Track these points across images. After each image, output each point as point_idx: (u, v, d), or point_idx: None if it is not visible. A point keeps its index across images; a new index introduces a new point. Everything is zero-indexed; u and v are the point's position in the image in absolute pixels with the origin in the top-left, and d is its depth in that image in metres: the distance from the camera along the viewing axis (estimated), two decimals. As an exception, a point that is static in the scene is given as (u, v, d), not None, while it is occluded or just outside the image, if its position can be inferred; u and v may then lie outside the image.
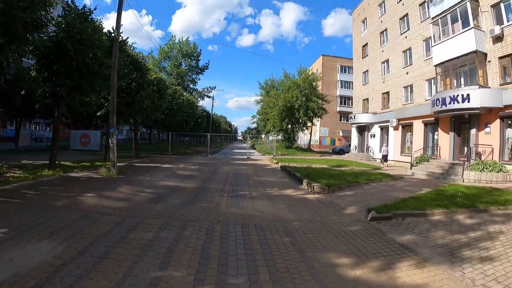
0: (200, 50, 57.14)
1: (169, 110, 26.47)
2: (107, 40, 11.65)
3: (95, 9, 11.39)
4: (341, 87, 47.56)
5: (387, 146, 21.49)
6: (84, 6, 11.21)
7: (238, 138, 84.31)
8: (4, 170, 10.75)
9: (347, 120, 46.45)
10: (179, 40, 48.32)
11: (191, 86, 49.55)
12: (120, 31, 12.55)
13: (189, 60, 48.63)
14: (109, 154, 15.73)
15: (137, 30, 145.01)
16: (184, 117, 30.45)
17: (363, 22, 28.93)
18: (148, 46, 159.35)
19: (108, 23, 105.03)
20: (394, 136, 21.98)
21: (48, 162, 11.88)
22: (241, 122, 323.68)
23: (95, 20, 11.31)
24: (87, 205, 6.21)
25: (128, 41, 13.19)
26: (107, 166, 11.09)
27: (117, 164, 14.28)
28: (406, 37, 21.32)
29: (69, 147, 24.82)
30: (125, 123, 21.92)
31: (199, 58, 49.71)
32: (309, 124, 34.74)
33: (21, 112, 21.76)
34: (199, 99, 49.87)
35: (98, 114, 17.02)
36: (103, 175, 10.50)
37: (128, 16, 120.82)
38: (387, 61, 24.02)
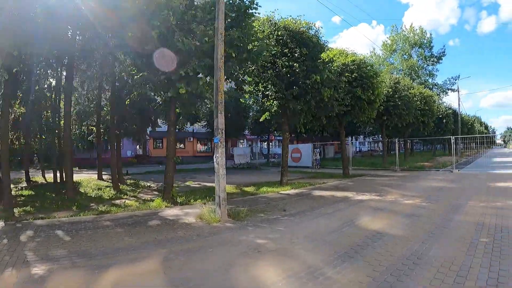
0: (431, 34, 47.08)
1: (391, 106, 18.73)
2: None
3: None
4: None
5: None
6: None
7: (497, 141, 66.59)
8: (139, 191, 10.36)
9: None
10: (401, 29, 41.02)
11: (430, 80, 41.18)
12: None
13: (420, 50, 40.36)
14: (285, 174, 11.69)
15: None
16: (417, 117, 22.34)
17: None
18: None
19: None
20: None
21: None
22: (499, 123, 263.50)
23: None
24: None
25: (258, 3, 8.35)
26: (212, 204, 6.77)
27: (293, 190, 10.35)
28: None
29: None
30: (309, 129, 15.60)
31: (432, 45, 40.29)
32: None
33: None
34: (441, 94, 40.66)
35: (261, 119, 12.69)
36: (202, 219, 6.10)
37: (362, 28, 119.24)
38: None
